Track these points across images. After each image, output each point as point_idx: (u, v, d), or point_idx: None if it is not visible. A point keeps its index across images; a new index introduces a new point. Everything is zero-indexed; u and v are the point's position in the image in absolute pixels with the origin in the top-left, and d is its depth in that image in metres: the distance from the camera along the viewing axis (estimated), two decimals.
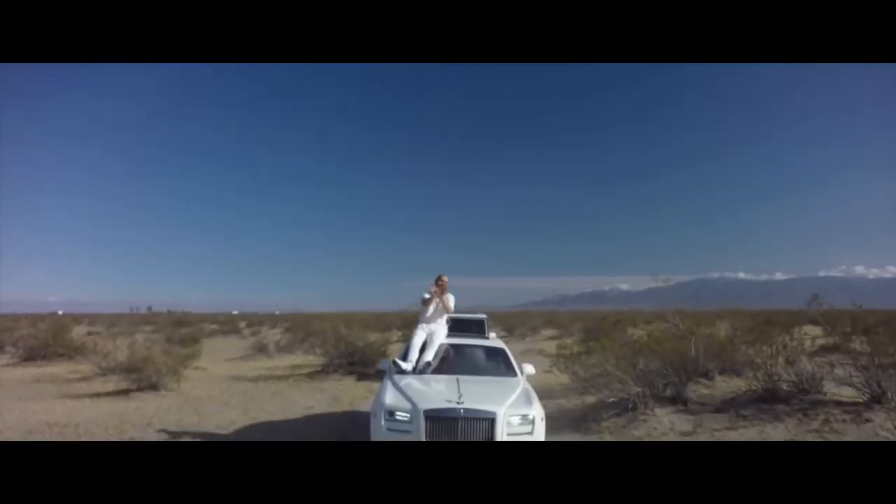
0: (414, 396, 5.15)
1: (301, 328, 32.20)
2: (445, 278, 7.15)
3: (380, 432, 4.97)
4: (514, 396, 5.28)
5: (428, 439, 4.76)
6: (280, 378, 12.71)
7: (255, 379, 12.64)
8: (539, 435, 5.03)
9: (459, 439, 4.77)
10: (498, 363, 6.49)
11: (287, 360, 16.80)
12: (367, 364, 12.39)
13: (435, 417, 4.82)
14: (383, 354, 12.49)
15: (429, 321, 6.79)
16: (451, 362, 6.40)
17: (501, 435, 4.80)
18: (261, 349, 18.70)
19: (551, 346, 24.04)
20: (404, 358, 6.33)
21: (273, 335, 31.29)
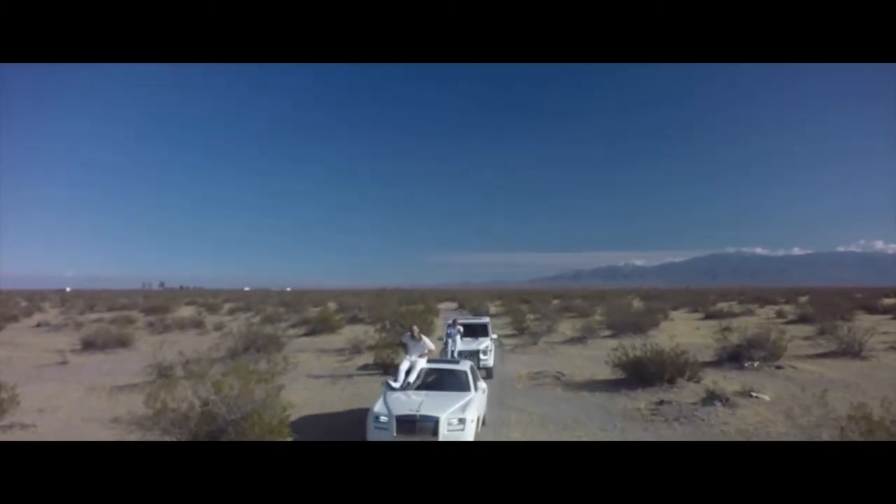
0: (392, 406, 7.43)
1: (267, 321, 28.52)
2: (415, 328, 9.71)
3: (370, 430, 7.27)
4: (457, 406, 7.49)
5: (397, 435, 6.94)
6: None
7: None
8: (469, 432, 7.15)
9: (416, 435, 6.91)
10: (460, 381, 8.54)
11: (179, 392, 9.54)
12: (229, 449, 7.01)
13: (401, 420, 7.07)
14: (283, 426, 6.85)
15: (412, 354, 9.26)
16: (427, 381, 8.81)
17: (443, 431, 6.97)
18: (162, 373, 13.05)
19: (578, 363, 16.12)
20: (395, 379, 8.65)
21: (234, 327, 22.44)
